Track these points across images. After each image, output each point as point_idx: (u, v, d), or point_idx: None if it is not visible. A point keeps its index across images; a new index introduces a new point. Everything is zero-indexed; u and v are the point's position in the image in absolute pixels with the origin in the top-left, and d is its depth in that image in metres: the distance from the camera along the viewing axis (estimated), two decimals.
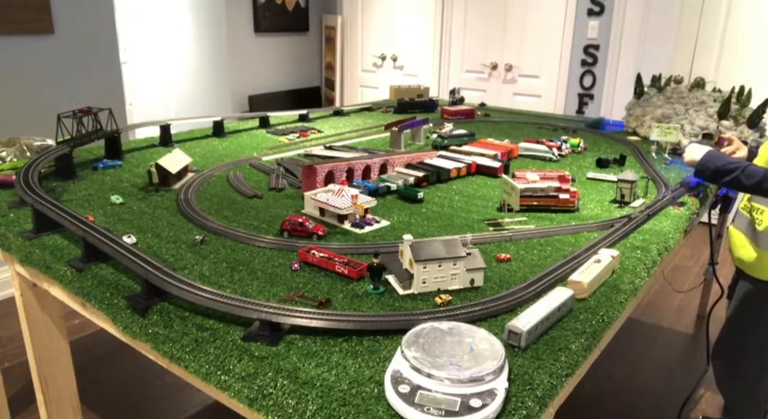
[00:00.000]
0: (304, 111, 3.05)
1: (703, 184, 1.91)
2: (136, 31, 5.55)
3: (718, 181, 1.68)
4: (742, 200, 1.89)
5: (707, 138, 2.24)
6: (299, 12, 5.81)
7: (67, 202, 1.69)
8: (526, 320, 1.01)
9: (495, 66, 5.14)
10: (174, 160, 1.89)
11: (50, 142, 2.06)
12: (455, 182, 2.01)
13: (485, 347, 0.91)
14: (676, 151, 2.42)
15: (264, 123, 2.85)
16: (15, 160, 1.95)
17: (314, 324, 1.03)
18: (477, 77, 5.27)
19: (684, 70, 4.29)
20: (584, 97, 4.73)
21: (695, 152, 1.74)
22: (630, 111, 2.88)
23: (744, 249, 1.84)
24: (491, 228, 1.57)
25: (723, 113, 2.41)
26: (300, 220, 1.48)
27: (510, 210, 1.71)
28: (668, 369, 2.69)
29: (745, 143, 2.17)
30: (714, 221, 2.29)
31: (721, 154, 1.77)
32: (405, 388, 0.85)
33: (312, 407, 0.87)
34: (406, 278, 1.20)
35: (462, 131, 2.54)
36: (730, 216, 2.28)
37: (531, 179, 1.81)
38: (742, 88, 2.51)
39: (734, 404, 2.05)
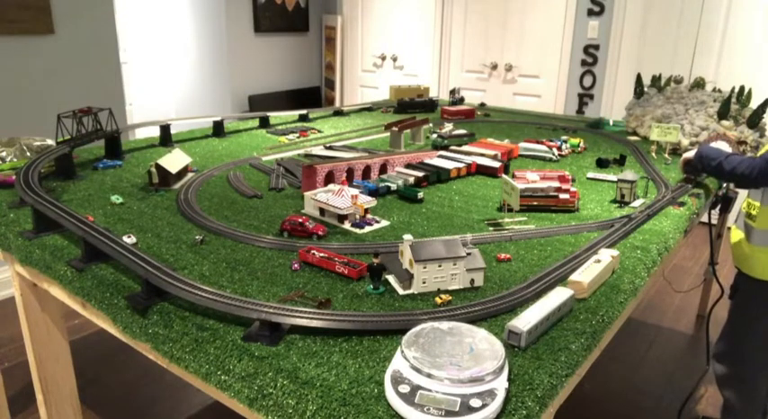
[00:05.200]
0: (304, 111, 3.05)
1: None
2: (136, 31, 5.55)
3: (708, 167, 1.82)
4: (744, 199, 1.90)
5: None
6: (299, 12, 5.81)
7: (67, 202, 1.69)
8: (526, 320, 1.01)
9: (495, 66, 5.14)
10: (174, 160, 1.89)
11: (50, 142, 2.06)
12: (455, 182, 2.01)
13: (485, 347, 0.91)
14: (676, 151, 2.42)
15: (264, 123, 2.85)
16: (15, 160, 1.95)
17: (314, 324, 1.03)
18: (477, 77, 5.27)
19: (684, 70, 4.29)
20: (584, 97, 4.73)
21: (691, 151, 1.93)
22: (630, 111, 2.88)
23: (739, 246, 1.86)
24: (491, 228, 1.57)
25: (723, 113, 2.41)
26: (300, 220, 1.48)
27: (510, 210, 1.71)
28: (668, 370, 2.69)
29: (744, 143, 2.17)
30: (714, 221, 2.29)
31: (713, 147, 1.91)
32: (405, 388, 0.85)
33: (312, 407, 0.87)
34: (406, 278, 1.20)
35: (462, 131, 2.54)
36: (731, 216, 2.28)
37: (531, 179, 1.81)
38: (742, 88, 2.51)
39: (734, 404, 2.05)
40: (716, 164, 1.77)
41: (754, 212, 1.80)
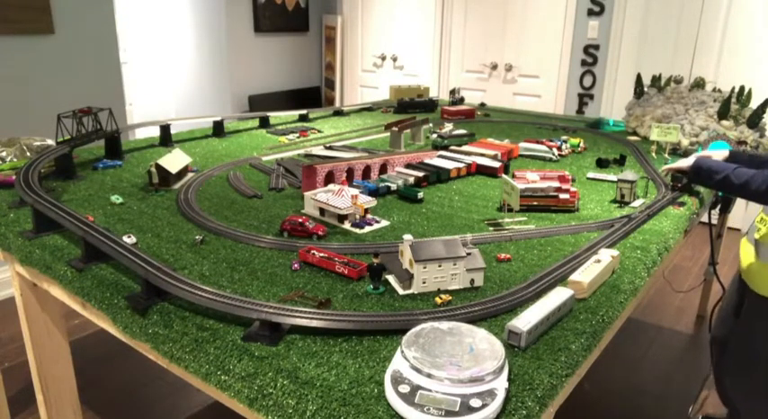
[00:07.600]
0: (304, 111, 3.05)
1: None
2: (136, 31, 5.56)
3: (710, 181, 1.70)
4: (759, 212, 1.86)
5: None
6: (299, 12, 5.81)
7: (67, 202, 1.69)
8: (526, 320, 1.01)
9: (495, 67, 5.14)
10: (174, 160, 1.89)
11: (50, 142, 2.06)
12: (455, 182, 2.01)
13: (485, 347, 0.91)
14: (676, 151, 2.42)
15: (264, 123, 2.85)
16: (15, 160, 1.95)
17: (314, 324, 1.03)
18: (477, 77, 5.27)
19: (684, 70, 4.29)
20: (584, 97, 4.73)
21: (684, 160, 1.81)
22: (630, 111, 2.88)
23: (749, 261, 1.80)
24: (491, 228, 1.57)
25: (723, 113, 2.41)
26: (300, 220, 1.48)
27: (510, 210, 1.71)
28: (668, 370, 2.69)
29: (744, 143, 2.16)
30: (714, 221, 2.29)
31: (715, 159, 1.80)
32: (405, 388, 0.85)
33: (312, 407, 0.87)
34: (406, 278, 1.20)
35: (462, 131, 2.54)
36: (731, 217, 2.27)
37: (531, 179, 1.81)
38: (742, 88, 2.51)
39: (742, 412, 2.01)
40: (721, 178, 1.66)
41: (762, 226, 1.75)
